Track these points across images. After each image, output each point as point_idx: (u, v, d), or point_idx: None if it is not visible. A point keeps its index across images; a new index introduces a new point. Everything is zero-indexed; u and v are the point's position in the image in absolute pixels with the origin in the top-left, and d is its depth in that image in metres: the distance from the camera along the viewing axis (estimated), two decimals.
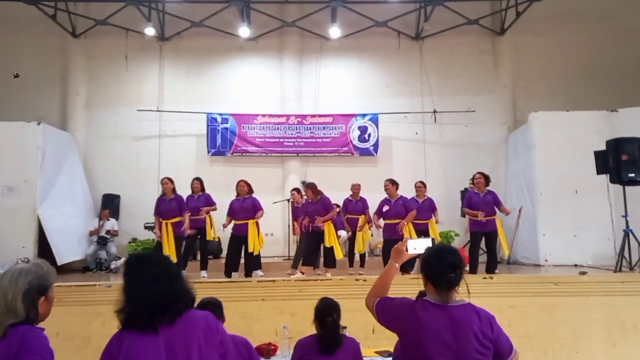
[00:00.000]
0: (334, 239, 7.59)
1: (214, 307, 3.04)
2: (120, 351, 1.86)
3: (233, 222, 7.77)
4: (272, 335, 5.12)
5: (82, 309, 5.78)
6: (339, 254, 7.59)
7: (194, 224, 7.72)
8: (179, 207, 7.48)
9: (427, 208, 8.15)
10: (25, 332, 1.91)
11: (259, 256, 7.73)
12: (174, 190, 7.60)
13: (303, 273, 7.39)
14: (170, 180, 7.64)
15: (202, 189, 8.15)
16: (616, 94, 10.39)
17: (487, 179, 7.67)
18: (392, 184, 7.97)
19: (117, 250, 9.86)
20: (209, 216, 8.01)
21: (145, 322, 1.89)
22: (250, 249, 7.46)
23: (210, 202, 8.04)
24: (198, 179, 8.20)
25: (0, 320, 1.91)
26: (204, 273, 7.68)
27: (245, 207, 7.70)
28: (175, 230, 7.37)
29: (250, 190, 7.86)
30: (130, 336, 1.89)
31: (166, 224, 7.38)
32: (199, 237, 7.97)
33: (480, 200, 7.54)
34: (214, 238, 8.59)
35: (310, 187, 7.80)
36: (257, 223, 7.70)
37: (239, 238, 7.59)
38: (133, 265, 2.04)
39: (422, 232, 7.80)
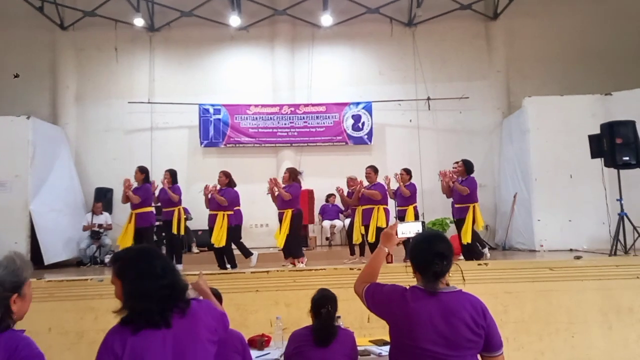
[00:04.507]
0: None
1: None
2: (124, 349, 1.74)
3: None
4: (267, 326, 5.11)
5: (74, 304, 5.72)
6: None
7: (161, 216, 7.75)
8: (144, 197, 7.47)
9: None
10: (10, 340, 1.73)
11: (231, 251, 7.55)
12: (143, 180, 7.64)
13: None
14: (141, 170, 7.69)
15: (175, 181, 8.04)
16: (610, 77, 10.31)
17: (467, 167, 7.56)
18: (375, 172, 7.94)
19: (111, 244, 9.80)
20: (178, 209, 7.89)
21: (158, 318, 1.80)
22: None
23: (179, 194, 7.94)
24: (169, 171, 8.05)
25: None
26: (179, 266, 7.45)
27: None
28: (137, 221, 7.40)
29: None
30: (135, 332, 1.78)
31: (131, 214, 7.42)
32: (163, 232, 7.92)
33: None
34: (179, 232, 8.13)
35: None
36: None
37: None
38: (136, 260, 1.92)
39: (400, 218, 7.88)
